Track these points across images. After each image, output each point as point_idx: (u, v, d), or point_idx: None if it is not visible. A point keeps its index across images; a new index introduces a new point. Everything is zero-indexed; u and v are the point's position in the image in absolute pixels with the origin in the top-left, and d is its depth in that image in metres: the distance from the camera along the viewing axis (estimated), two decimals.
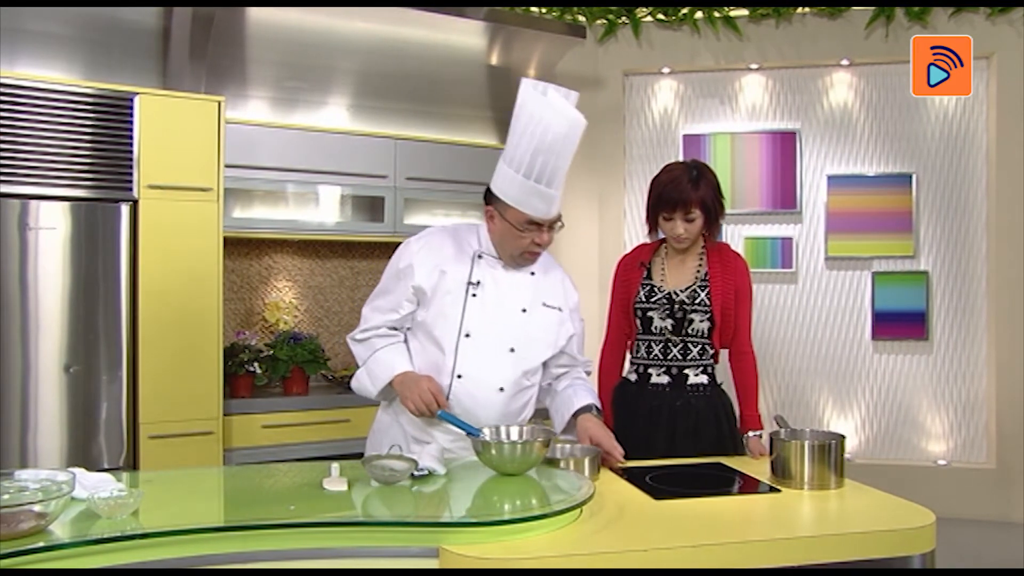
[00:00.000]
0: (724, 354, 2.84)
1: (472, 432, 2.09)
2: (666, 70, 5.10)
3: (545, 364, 2.48)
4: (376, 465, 1.93)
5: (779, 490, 2.15)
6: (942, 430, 4.89)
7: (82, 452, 3.27)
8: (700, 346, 2.74)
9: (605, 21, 5.03)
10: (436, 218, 4.53)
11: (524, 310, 2.36)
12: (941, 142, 4.89)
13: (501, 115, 4.84)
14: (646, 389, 2.77)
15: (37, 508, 1.52)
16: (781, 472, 2.21)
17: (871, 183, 4.93)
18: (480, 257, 2.38)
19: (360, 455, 2.42)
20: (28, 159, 3.24)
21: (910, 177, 4.88)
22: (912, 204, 4.88)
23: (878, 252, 4.91)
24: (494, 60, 4.70)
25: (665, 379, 2.75)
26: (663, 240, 2.83)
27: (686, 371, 2.74)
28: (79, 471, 1.77)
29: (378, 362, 2.37)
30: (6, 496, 1.56)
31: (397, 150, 4.22)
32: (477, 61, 4.65)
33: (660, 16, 5.01)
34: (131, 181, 3.40)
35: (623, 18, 5.03)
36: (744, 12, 4.93)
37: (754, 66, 5.03)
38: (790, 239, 5.00)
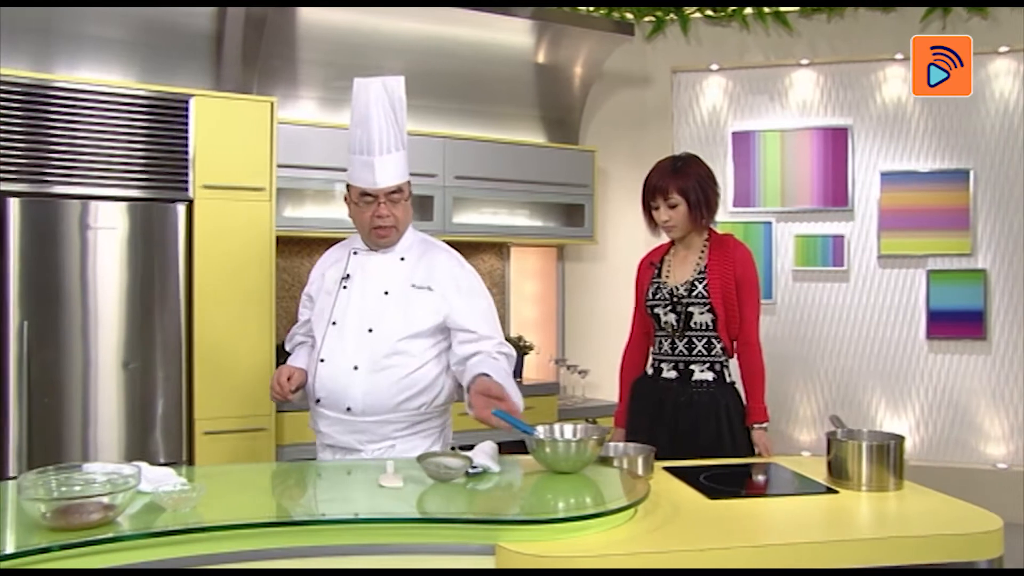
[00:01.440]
0: None
1: (527, 431, 2.09)
2: (715, 67, 5.05)
3: (450, 347, 2.43)
4: (431, 462, 1.94)
5: (836, 491, 2.12)
6: (1002, 432, 4.77)
7: (140, 447, 3.34)
8: (705, 340, 2.74)
9: (653, 18, 5.00)
10: (484, 216, 4.55)
11: (386, 292, 2.40)
12: (1001, 136, 4.77)
13: (548, 113, 4.84)
14: (658, 383, 2.81)
15: (106, 500, 1.56)
16: (838, 473, 2.17)
17: (925, 179, 4.83)
18: (355, 253, 2.48)
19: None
20: (88, 161, 3.32)
21: (967, 173, 4.77)
22: (969, 200, 4.76)
23: (933, 250, 4.81)
24: (542, 58, 4.70)
25: (673, 374, 2.78)
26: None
27: (691, 366, 2.75)
28: (143, 465, 1.81)
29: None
30: (77, 488, 1.61)
31: (446, 149, 4.24)
32: (525, 60, 4.65)
33: (709, 12, 4.96)
34: (187, 181, 3.47)
35: (671, 15, 4.99)
36: (795, 8, 4.86)
37: (804, 61, 4.96)
38: (841, 237, 4.92)
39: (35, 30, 3.53)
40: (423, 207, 4.26)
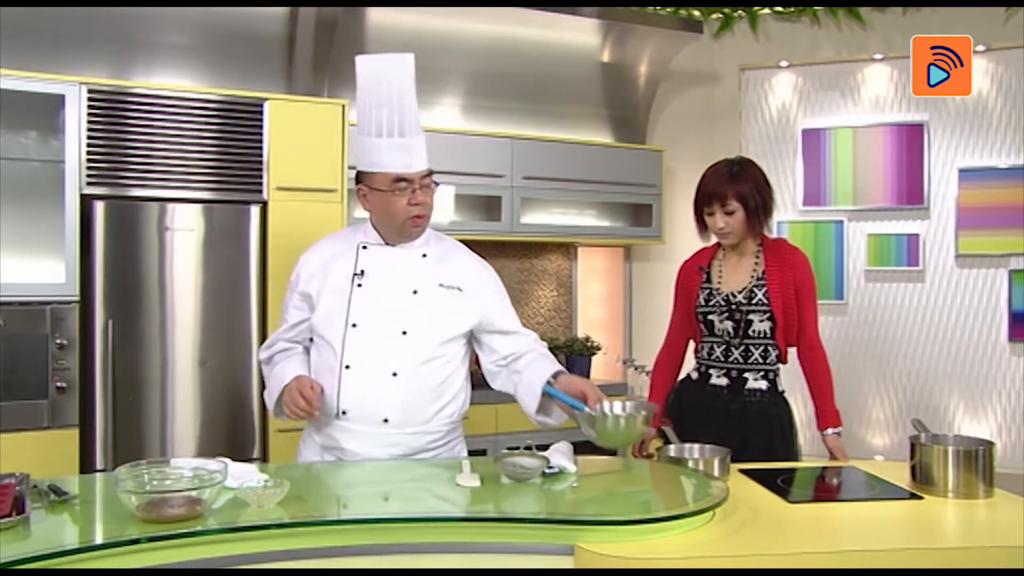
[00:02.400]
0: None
1: (577, 407, 2.12)
2: (784, 63, 4.96)
3: (481, 345, 2.36)
4: (508, 462, 1.95)
5: (921, 497, 2.06)
6: None
7: (216, 443, 3.42)
8: (762, 348, 2.68)
9: (721, 15, 4.93)
10: (552, 216, 4.55)
11: (415, 292, 2.24)
12: None
13: (616, 113, 4.82)
14: (705, 389, 2.74)
15: (195, 494, 1.60)
16: (923, 478, 2.11)
17: (1007, 176, 4.65)
18: (365, 248, 2.28)
19: (480, 452, 2.44)
20: (166, 164, 3.41)
21: None
22: None
23: (1016, 249, 4.63)
24: (608, 58, 4.68)
25: (724, 381, 2.71)
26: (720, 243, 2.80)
27: (746, 375, 2.69)
28: (227, 461, 1.84)
29: (273, 378, 2.28)
30: (168, 482, 1.65)
31: (514, 149, 4.25)
32: (591, 59, 4.64)
33: (778, 8, 4.88)
34: (261, 183, 3.54)
35: (739, 12, 4.92)
36: (869, 6, 4.75)
37: (878, 56, 4.83)
38: (917, 236, 4.78)
39: (114, 39, 3.64)
40: (491, 208, 4.28)
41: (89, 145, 3.27)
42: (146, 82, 3.55)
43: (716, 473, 2.14)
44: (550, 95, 4.60)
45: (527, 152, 4.29)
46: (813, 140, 4.93)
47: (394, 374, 2.18)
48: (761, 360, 2.68)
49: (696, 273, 2.81)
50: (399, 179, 2.19)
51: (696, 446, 2.29)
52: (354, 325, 2.20)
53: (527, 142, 4.32)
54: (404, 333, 2.20)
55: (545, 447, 2.09)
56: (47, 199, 3.26)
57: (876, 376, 4.86)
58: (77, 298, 3.24)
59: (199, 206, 3.45)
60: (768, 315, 2.65)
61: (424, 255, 2.29)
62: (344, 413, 2.20)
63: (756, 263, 2.72)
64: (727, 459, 2.20)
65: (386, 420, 2.19)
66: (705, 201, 2.71)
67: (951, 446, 2.10)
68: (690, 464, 2.16)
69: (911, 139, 4.80)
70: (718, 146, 4.91)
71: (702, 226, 2.77)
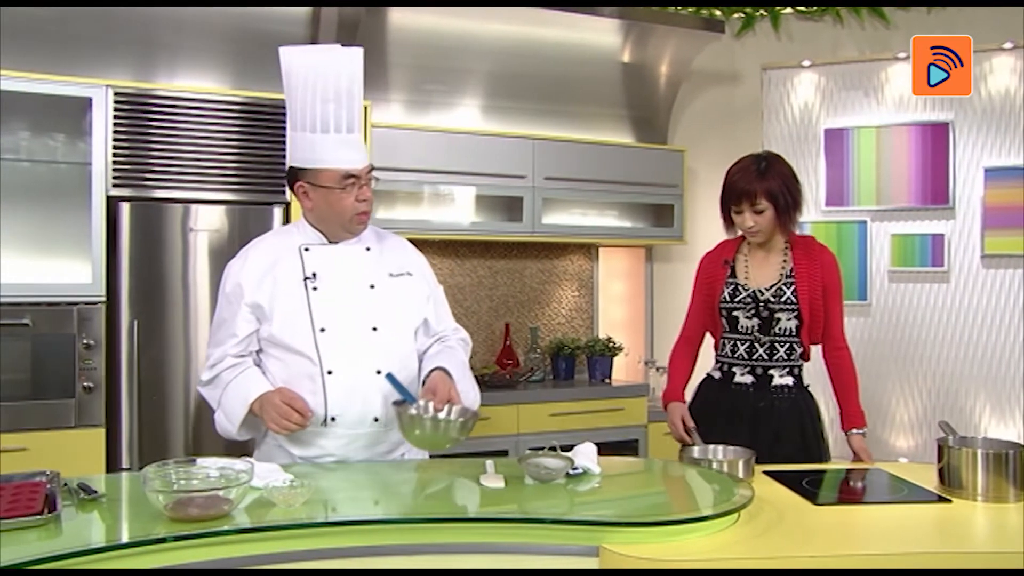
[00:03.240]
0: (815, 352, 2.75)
1: (407, 399, 2.07)
2: (806, 63, 4.93)
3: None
4: (532, 463, 1.94)
5: (950, 500, 2.04)
6: None
7: (238, 443, 3.42)
8: (788, 345, 2.65)
9: (742, 15, 4.91)
10: (573, 217, 4.54)
11: (372, 286, 2.21)
12: None
13: (637, 113, 4.81)
14: (729, 388, 2.70)
15: (222, 494, 1.60)
16: (951, 481, 2.09)
17: None
18: (307, 249, 2.21)
19: (502, 452, 2.44)
20: (190, 166, 3.44)
21: None
22: None
23: None
24: (629, 58, 4.67)
25: (749, 379, 2.68)
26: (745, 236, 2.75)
27: (771, 372, 2.66)
28: (252, 461, 1.85)
29: (230, 396, 2.18)
30: (195, 481, 1.66)
31: (535, 150, 4.25)
32: (612, 59, 4.63)
33: (800, 8, 4.85)
34: (284, 184, 3.56)
35: (761, 11, 4.89)
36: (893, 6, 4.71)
37: (902, 55, 4.78)
38: (942, 236, 4.73)
39: (137, 42, 3.67)
40: (512, 208, 4.28)
41: (115, 147, 3.31)
42: (170, 84, 3.58)
43: (740, 475, 2.13)
44: (571, 95, 4.60)
45: (548, 153, 4.29)
46: (836, 140, 4.89)
47: (378, 372, 2.15)
48: (786, 357, 2.66)
49: (720, 267, 2.77)
50: (348, 176, 2.14)
51: (720, 448, 2.27)
52: (322, 330, 2.15)
53: (548, 143, 4.32)
54: (375, 329, 2.18)
55: (569, 448, 2.09)
56: (74, 201, 3.30)
57: (900, 378, 4.82)
58: (103, 298, 3.28)
59: (222, 207, 3.47)
60: (795, 313, 2.63)
61: (368, 248, 2.26)
62: (333, 420, 2.15)
63: (785, 260, 2.68)
64: (751, 460, 2.18)
65: (376, 419, 2.18)
66: (733, 200, 2.65)
67: (980, 449, 2.07)
68: (714, 466, 2.15)
69: (936, 138, 4.75)
70: (740, 146, 4.84)
71: (729, 222, 2.72)
